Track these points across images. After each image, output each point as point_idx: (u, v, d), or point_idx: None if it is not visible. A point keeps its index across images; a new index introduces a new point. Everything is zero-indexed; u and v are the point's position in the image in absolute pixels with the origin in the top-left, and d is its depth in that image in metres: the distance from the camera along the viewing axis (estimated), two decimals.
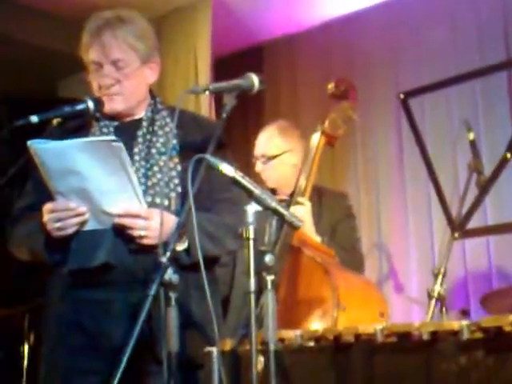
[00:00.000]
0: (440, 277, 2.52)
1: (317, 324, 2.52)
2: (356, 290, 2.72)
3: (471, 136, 2.85)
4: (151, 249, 2.03)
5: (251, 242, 1.66)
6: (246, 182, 1.74)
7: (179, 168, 2.18)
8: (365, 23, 4.65)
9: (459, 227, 2.39)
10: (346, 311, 2.53)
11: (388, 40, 4.55)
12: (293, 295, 2.69)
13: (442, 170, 2.80)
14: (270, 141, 3.14)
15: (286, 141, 3.15)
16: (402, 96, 2.69)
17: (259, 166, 3.14)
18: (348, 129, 3.13)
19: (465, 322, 1.50)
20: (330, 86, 3.10)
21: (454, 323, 1.52)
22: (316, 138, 3.05)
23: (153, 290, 1.69)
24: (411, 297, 4.18)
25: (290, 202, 2.97)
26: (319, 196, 3.07)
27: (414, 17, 4.45)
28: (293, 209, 2.85)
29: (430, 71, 4.06)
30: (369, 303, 2.69)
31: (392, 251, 4.41)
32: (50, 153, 1.99)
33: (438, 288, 2.51)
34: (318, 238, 2.93)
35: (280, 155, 3.12)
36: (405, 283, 4.29)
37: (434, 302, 2.50)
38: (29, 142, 1.98)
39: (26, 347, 3.89)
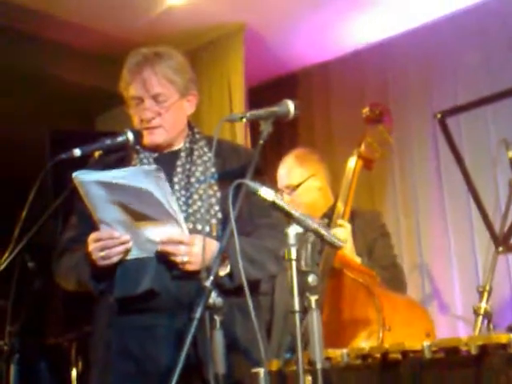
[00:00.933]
0: (486, 294, 2.49)
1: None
2: (401, 309, 2.71)
3: (510, 154, 2.85)
4: (194, 274, 2.05)
5: (294, 263, 1.67)
6: (285, 205, 1.76)
7: (219, 195, 2.22)
8: (397, 48, 4.67)
9: (503, 241, 2.37)
10: (392, 331, 2.51)
11: (421, 63, 4.55)
12: (337, 318, 2.69)
13: (481, 188, 2.78)
14: (291, 171, 3.17)
15: (307, 167, 3.18)
16: (439, 115, 2.69)
17: (286, 198, 3.17)
18: (384, 152, 3.15)
19: None
20: (365, 110, 3.14)
21: (502, 336, 1.50)
22: (353, 162, 3.08)
23: (198, 313, 1.70)
24: (456, 315, 4.12)
25: (326, 224, 2.98)
26: (352, 217, 3.08)
27: (445, 39, 4.45)
28: (333, 231, 2.86)
29: (464, 92, 4.07)
30: (414, 323, 2.67)
31: (434, 272, 4.37)
32: (94, 183, 2.03)
33: (483, 305, 2.48)
34: (358, 260, 2.93)
35: (303, 182, 3.15)
36: (449, 303, 4.24)
37: (480, 319, 2.47)
38: (74, 174, 2.03)
39: (74, 373, 3.94)
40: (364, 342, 2.52)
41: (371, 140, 3.10)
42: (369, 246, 3.05)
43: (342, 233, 2.89)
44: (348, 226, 2.94)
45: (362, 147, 3.09)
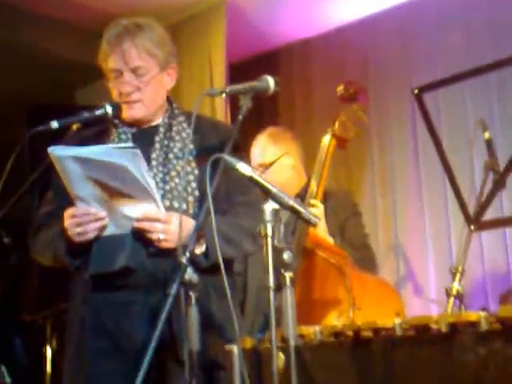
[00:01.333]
0: (458, 275, 2.50)
1: None
2: (371, 289, 2.73)
3: (487, 135, 2.85)
4: (170, 252, 2.05)
5: (269, 240, 1.67)
6: (263, 180, 1.76)
7: (196, 172, 2.21)
8: (378, 26, 4.66)
9: (475, 220, 2.39)
10: (362, 311, 2.54)
11: (402, 42, 4.54)
12: (308, 297, 2.70)
13: (457, 168, 2.79)
14: (264, 150, 3.16)
15: (280, 145, 3.17)
16: (416, 91, 2.67)
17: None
18: (359, 131, 3.14)
19: (483, 313, 1.51)
20: (340, 88, 3.12)
21: (472, 314, 1.53)
22: (326, 141, 3.07)
23: (173, 289, 1.70)
24: (430, 297, 4.16)
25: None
26: (325, 197, 3.08)
27: (427, 18, 4.45)
28: None
29: (444, 69, 4.05)
30: (384, 302, 2.70)
31: (409, 253, 4.40)
32: (70, 159, 2.01)
33: (456, 286, 2.50)
34: (331, 240, 2.94)
35: (276, 160, 3.14)
36: (423, 284, 4.28)
37: (452, 300, 2.49)
38: (49, 149, 2.01)
39: (49, 351, 3.94)
40: (335, 321, 2.54)
41: (345, 119, 3.09)
42: (341, 226, 3.06)
43: (315, 212, 2.89)
44: (321, 206, 2.94)
45: (336, 126, 3.08)
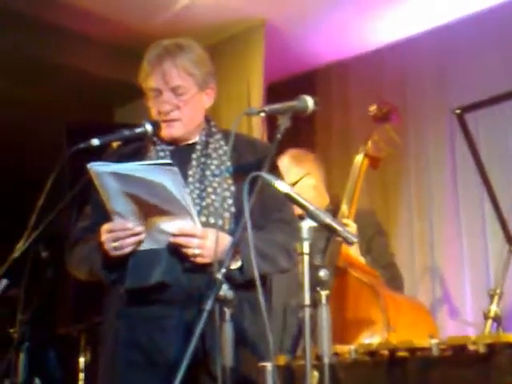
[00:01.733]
0: (496, 297, 2.47)
1: None
2: (405, 311, 2.71)
3: None
4: (205, 268, 2.06)
5: (306, 257, 1.67)
6: (299, 197, 1.77)
7: (233, 189, 2.22)
8: (416, 47, 4.65)
9: None
10: (397, 332, 2.51)
11: (439, 62, 4.53)
12: (340, 317, 2.67)
13: (497, 188, 2.76)
14: (287, 171, 3.14)
15: (302, 166, 3.19)
16: (457, 111, 2.65)
17: None
18: (391, 151, 3.13)
19: None
20: (373, 108, 3.14)
21: (511, 335, 1.50)
22: (359, 160, 3.07)
23: (208, 305, 1.70)
24: (466, 320, 4.10)
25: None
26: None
27: (464, 39, 4.43)
28: None
29: (482, 91, 4.02)
30: (418, 324, 2.67)
31: (446, 275, 4.34)
32: (109, 175, 2.04)
33: (494, 308, 2.46)
34: (362, 259, 2.93)
35: (299, 181, 3.15)
36: (460, 307, 4.21)
37: (490, 322, 2.45)
38: (89, 165, 2.04)
39: (83, 364, 3.97)
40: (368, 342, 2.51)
41: (378, 138, 3.09)
42: (367, 246, 3.04)
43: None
44: (354, 226, 2.93)
45: (369, 145, 3.08)
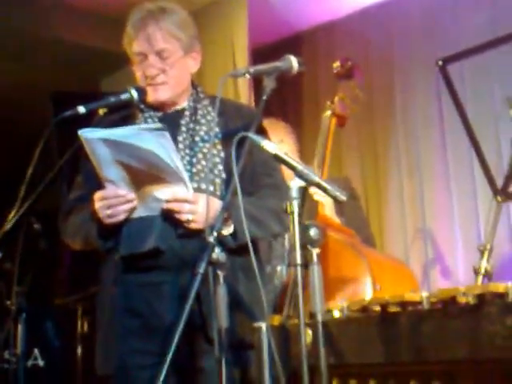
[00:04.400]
0: (486, 253, 2.49)
1: None
2: (388, 269, 2.73)
3: None
4: (198, 233, 2.07)
5: (296, 216, 1.68)
6: (288, 158, 1.77)
7: (222, 154, 2.22)
8: (402, 8, 4.62)
9: (502, 191, 2.37)
10: (381, 291, 2.53)
11: (425, 19, 4.50)
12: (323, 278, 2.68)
13: (484, 144, 2.76)
14: None
15: (274, 134, 3.17)
16: (440, 63, 2.64)
17: None
18: (356, 108, 3.11)
19: (510, 284, 1.51)
20: (336, 65, 3.12)
21: (500, 285, 1.52)
22: (326, 119, 3.05)
23: (202, 268, 1.71)
24: (459, 280, 4.14)
25: None
26: None
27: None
28: (314, 190, 2.84)
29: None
30: (401, 281, 2.69)
31: (437, 235, 4.37)
32: (100, 142, 2.03)
33: (484, 264, 2.49)
34: (338, 220, 2.94)
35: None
36: (452, 266, 4.26)
37: (480, 278, 2.48)
38: (79, 131, 2.04)
39: (80, 334, 4.01)
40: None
41: (343, 95, 3.07)
42: (340, 208, 3.04)
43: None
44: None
45: (336, 103, 3.05)
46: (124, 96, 2.21)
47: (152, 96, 2.25)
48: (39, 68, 5.05)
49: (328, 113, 3.06)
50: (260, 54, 4.73)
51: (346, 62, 3.13)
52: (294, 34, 5.10)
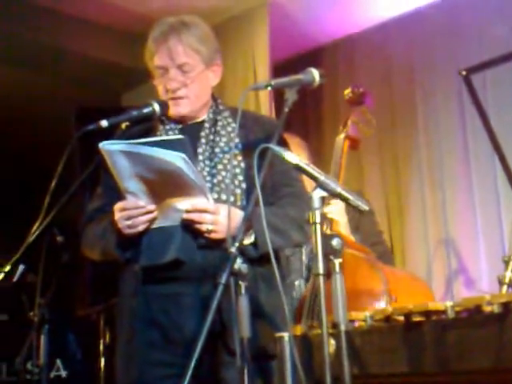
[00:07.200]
0: (511, 263, 2.46)
1: None
2: (403, 282, 2.72)
3: None
4: (219, 244, 2.07)
5: (318, 226, 1.68)
6: (309, 168, 1.77)
7: (243, 165, 2.23)
8: (423, 19, 4.62)
9: None
10: (398, 302, 2.52)
11: (446, 33, 4.50)
12: None
13: (508, 154, 2.74)
14: None
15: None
16: (463, 72, 2.62)
17: None
18: (369, 132, 3.17)
19: None
20: (347, 91, 3.20)
21: None
22: (340, 142, 3.10)
23: (223, 279, 1.71)
24: (482, 291, 4.10)
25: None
26: None
27: (471, 11, 4.40)
28: (327, 209, 2.86)
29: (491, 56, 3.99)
30: (417, 293, 2.67)
31: (460, 246, 4.34)
32: (120, 154, 2.05)
33: (509, 274, 2.45)
34: (352, 238, 2.95)
35: None
36: (475, 277, 4.22)
37: (505, 288, 2.45)
38: (100, 144, 2.05)
39: (102, 344, 4.03)
40: None
41: (356, 120, 3.14)
42: (355, 225, 3.06)
43: (337, 210, 2.89)
44: (341, 203, 2.93)
45: (348, 127, 3.11)
46: (146, 110, 2.22)
47: (173, 110, 2.27)
48: (62, 81, 5.11)
49: (341, 136, 3.12)
50: (280, 67, 4.76)
51: (357, 88, 3.21)
52: (314, 47, 5.12)
